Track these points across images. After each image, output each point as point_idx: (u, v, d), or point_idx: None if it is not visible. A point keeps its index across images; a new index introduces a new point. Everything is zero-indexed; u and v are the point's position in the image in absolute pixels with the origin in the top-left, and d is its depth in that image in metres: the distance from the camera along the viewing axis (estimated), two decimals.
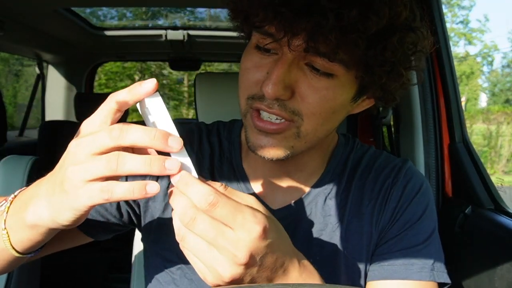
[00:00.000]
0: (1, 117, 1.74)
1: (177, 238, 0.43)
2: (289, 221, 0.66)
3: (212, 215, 0.41)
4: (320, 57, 0.52)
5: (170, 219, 0.65)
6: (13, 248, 0.50)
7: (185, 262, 0.64)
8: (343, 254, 0.66)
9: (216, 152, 0.69)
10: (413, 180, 0.68)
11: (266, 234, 0.42)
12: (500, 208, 1.02)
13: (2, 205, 0.52)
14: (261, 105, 0.55)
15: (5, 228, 0.49)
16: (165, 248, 0.66)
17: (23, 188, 0.53)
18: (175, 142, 0.40)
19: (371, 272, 0.66)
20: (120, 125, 0.40)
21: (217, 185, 0.44)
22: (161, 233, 0.67)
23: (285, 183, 0.68)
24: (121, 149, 0.41)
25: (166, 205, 0.67)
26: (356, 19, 0.48)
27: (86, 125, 0.43)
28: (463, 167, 1.11)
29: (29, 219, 0.46)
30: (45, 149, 2.06)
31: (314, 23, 0.49)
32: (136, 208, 0.68)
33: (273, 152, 0.57)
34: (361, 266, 0.66)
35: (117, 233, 0.72)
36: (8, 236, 0.49)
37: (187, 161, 0.43)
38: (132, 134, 0.40)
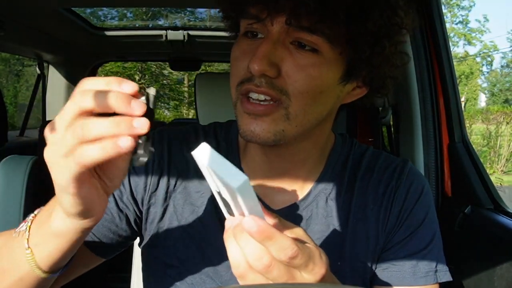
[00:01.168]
0: (1, 117, 1.75)
1: (236, 273, 0.42)
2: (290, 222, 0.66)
3: (290, 265, 0.41)
4: (303, 31, 0.53)
5: (170, 223, 0.66)
6: (39, 267, 0.49)
7: (186, 266, 0.64)
8: (348, 258, 0.65)
9: None
10: (415, 183, 0.69)
11: (327, 273, 0.43)
12: (499, 208, 1.02)
13: (21, 226, 0.51)
14: (249, 85, 0.56)
15: (28, 247, 0.48)
16: (165, 252, 0.66)
17: (41, 208, 0.52)
18: (138, 106, 0.38)
19: (377, 277, 0.67)
20: (81, 122, 0.38)
21: (272, 218, 0.43)
22: (161, 237, 0.66)
23: (284, 183, 0.67)
24: None
25: (165, 209, 0.66)
26: None
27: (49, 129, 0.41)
28: (463, 167, 1.12)
29: (55, 226, 0.46)
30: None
31: None
32: (141, 217, 0.68)
33: (263, 136, 0.57)
34: (367, 270, 0.66)
35: (124, 248, 0.71)
36: (33, 255, 0.48)
37: (254, 202, 0.41)
38: (95, 128, 0.38)
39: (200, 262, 0.64)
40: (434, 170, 1.17)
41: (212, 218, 0.64)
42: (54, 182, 0.41)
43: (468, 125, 9.00)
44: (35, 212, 0.52)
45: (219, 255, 0.63)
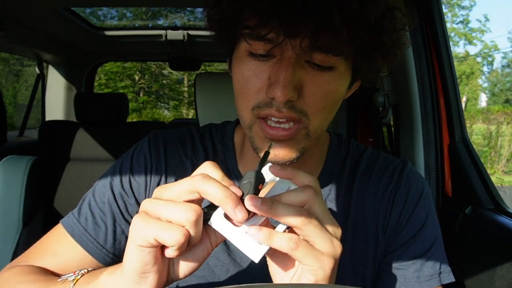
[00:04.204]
0: (1, 117, 1.74)
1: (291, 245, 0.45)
2: None
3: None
4: (326, 53, 0.52)
5: None
6: None
7: None
8: (348, 260, 0.65)
9: (210, 156, 0.69)
10: (415, 184, 0.68)
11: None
12: (500, 208, 1.02)
13: (69, 276, 0.52)
14: (271, 111, 0.54)
15: None
16: None
17: (95, 268, 0.55)
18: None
19: (381, 281, 0.66)
20: (196, 210, 0.43)
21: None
22: None
23: None
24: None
25: None
26: (356, 11, 0.49)
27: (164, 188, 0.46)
28: (463, 167, 1.11)
29: (104, 281, 0.48)
30: (45, 149, 2.06)
31: (319, 20, 0.49)
32: None
33: (287, 157, 0.57)
34: (367, 273, 0.66)
35: None
36: None
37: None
38: (195, 228, 0.43)
39: None
40: (434, 170, 1.17)
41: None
42: (129, 236, 0.44)
43: (468, 125, 8.99)
44: (88, 268, 0.54)
45: (216, 258, 0.63)
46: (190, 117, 12.83)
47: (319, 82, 0.54)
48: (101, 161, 2.05)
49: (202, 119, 1.20)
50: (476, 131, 9.41)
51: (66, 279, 0.52)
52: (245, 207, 0.43)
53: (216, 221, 0.45)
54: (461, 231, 1.02)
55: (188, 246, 0.44)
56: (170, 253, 0.43)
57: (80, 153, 2.06)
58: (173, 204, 0.43)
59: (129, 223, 0.65)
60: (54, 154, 2.06)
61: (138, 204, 0.65)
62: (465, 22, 19.41)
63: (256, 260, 0.44)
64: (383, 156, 0.72)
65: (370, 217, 0.66)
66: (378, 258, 0.66)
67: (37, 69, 2.51)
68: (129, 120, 2.33)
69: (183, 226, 0.42)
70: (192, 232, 0.43)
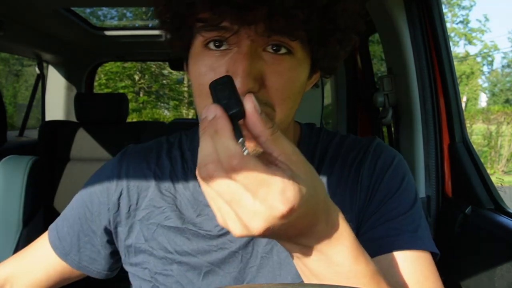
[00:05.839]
0: (1, 117, 1.74)
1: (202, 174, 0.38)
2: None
3: (234, 178, 0.37)
4: (281, 36, 0.51)
5: (137, 240, 0.66)
6: None
7: (158, 279, 0.64)
8: None
9: (179, 165, 0.68)
10: (383, 155, 0.65)
11: (291, 213, 0.38)
12: (500, 208, 1.02)
13: None
14: None
15: None
16: (137, 269, 0.66)
17: None
18: None
19: None
20: None
21: (266, 128, 0.40)
22: (131, 255, 0.67)
23: None
24: None
25: (131, 227, 0.67)
26: None
27: None
28: (463, 167, 1.11)
29: None
30: (45, 149, 2.06)
31: (272, 5, 0.48)
32: (113, 236, 0.69)
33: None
34: None
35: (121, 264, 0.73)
36: None
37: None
38: None
39: (170, 274, 0.64)
40: (434, 170, 1.17)
41: (178, 231, 0.64)
42: None
43: (468, 125, 8.99)
44: None
45: (188, 265, 0.63)
46: (190, 117, 12.83)
47: (280, 70, 0.53)
48: (101, 161, 2.04)
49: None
50: (476, 131, 9.40)
51: None
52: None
53: None
54: (461, 231, 1.02)
55: None
56: None
57: (80, 153, 2.06)
58: None
59: (92, 233, 0.69)
60: (54, 154, 2.06)
61: (99, 218, 0.68)
62: (465, 22, 19.42)
63: None
64: (351, 138, 0.70)
65: (338, 199, 0.63)
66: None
67: (37, 69, 2.51)
68: (129, 120, 2.33)
69: None
70: None
